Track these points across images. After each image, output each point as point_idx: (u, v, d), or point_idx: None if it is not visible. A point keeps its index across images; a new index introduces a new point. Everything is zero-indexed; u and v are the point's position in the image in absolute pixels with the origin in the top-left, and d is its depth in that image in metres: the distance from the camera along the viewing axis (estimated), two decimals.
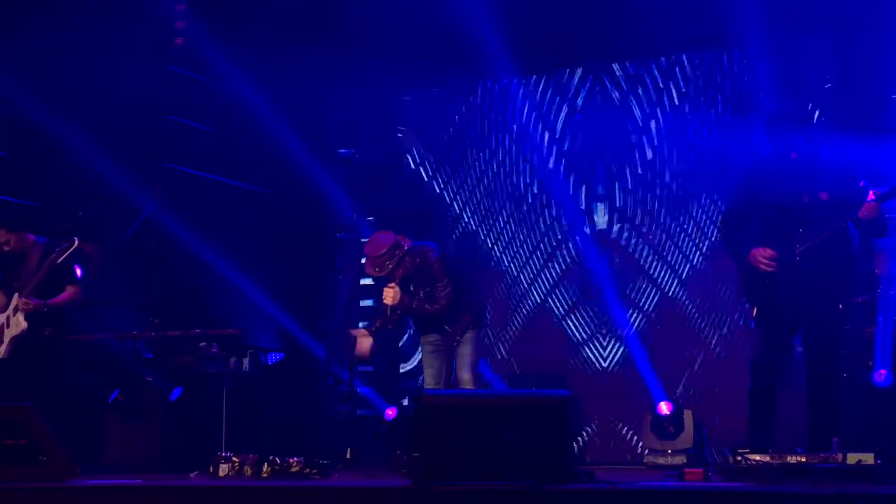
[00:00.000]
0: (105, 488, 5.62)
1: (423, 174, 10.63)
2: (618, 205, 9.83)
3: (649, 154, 9.73)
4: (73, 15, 9.30)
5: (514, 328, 10.06)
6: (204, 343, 8.96)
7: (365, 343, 7.29)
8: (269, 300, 10.02)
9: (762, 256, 6.43)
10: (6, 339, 7.60)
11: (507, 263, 10.18)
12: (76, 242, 7.59)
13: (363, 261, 8.86)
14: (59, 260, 7.56)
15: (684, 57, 9.71)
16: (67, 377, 7.86)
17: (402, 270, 7.20)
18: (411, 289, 7.28)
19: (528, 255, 10.09)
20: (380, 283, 7.53)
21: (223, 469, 6.90)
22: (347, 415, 9.01)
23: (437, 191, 10.55)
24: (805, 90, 9.03)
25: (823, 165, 6.50)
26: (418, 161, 10.67)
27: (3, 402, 6.44)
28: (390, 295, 7.24)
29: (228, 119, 10.25)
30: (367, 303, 10.34)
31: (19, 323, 7.54)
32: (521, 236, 10.13)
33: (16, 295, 7.62)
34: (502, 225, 10.23)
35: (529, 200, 10.15)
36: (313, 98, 10.34)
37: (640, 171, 9.78)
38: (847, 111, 8.53)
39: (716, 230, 9.06)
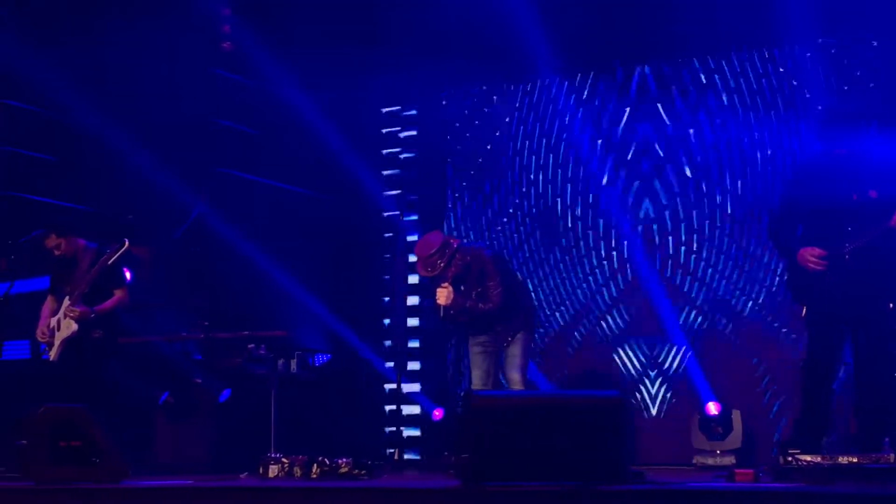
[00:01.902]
0: (157, 489, 5.67)
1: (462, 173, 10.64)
2: (663, 205, 9.77)
3: (697, 156, 9.68)
4: (122, 21, 9.39)
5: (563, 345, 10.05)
6: (252, 344, 9.02)
7: (443, 292, 7.26)
8: (316, 301, 10.06)
9: (811, 255, 6.39)
10: (56, 342, 7.68)
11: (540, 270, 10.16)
12: (126, 244, 7.65)
13: (412, 258, 8.91)
14: (110, 261, 7.63)
15: (728, 56, 9.65)
16: (118, 379, 7.92)
17: (453, 269, 7.20)
18: (463, 288, 7.27)
19: (570, 264, 10.06)
20: (429, 283, 7.53)
21: (273, 470, 6.94)
22: (395, 415, 9.04)
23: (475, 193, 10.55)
24: (852, 89, 8.97)
25: (874, 164, 6.44)
26: (458, 160, 10.66)
27: (54, 403, 6.50)
28: (443, 295, 7.24)
29: (275, 122, 10.31)
30: (414, 301, 10.37)
31: (69, 326, 7.62)
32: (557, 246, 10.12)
33: (66, 299, 7.69)
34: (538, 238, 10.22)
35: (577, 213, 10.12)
36: (359, 99, 10.38)
37: (688, 173, 9.72)
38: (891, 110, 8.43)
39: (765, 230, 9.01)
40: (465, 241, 7.46)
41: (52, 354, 7.71)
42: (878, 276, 6.37)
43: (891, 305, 6.55)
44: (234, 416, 8.55)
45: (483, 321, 7.33)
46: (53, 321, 7.74)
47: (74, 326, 7.59)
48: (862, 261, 6.32)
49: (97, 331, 7.67)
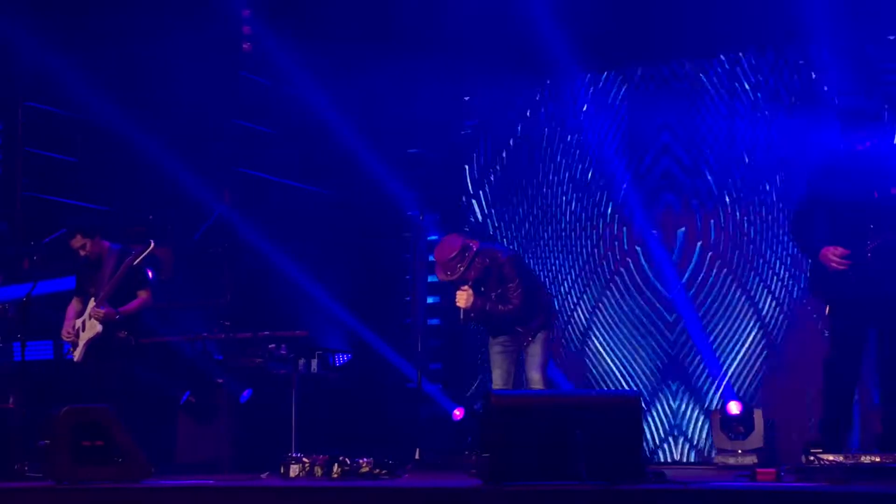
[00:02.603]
0: (179, 489, 5.69)
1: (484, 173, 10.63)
2: (685, 202, 9.75)
3: (719, 153, 9.65)
4: (143, 22, 9.43)
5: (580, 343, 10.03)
6: (273, 345, 9.04)
7: (463, 295, 7.27)
8: (337, 301, 10.08)
9: (833, 254, 6.35)
10: (81, 343, 7.72)
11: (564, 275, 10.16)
12: (151, 245, 7.69)
13: (431, 258, 8.90)
14: (136, 262, 7.66)
15: (751, 53, 9.62)
16: (140, 379, 7.95)
17: (472, 272, 7.20)
18: (482, 290, 7.27)
19: (590, 254, 10.05)
20: (451, 286, 7.52)
21: (294, 470, 6.95)
22: (416, 415, 9.03)
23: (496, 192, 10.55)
24: (871, 86, 8.92)
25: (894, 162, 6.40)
26: (482, 159, 10.66)
27: (77, 403, 6.53)
28: (463, 298, 7.24)
29: (296, 122, 10.33)
30: (434, 300, 10.36)
31: (94, 327, 7.65)
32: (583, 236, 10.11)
33: (91, 300, 7.73)
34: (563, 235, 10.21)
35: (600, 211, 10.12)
36: (378, 99, 10.38)
37: (710, 173, 9.69)
38: None
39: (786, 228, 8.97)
40: (483, 242, 7.42)
41: (77, 355, 7.74)
42: None
43: None
44: (255, 416, 8.57)
45: (503, 322, 7.34)
46: (79, 322, 7.77)
47: (99, 327, 7.63)
48: (885, 259, 6.28)
49: (122, 331, 7.71)
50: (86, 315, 7.72)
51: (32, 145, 9.99)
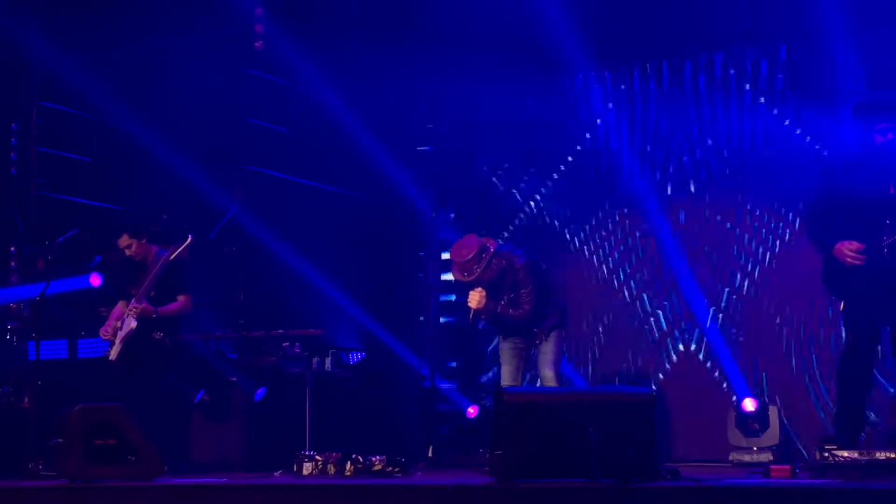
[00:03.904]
0: (191, 487, 5.69)
1: (499, 171, 10.62)
2: (692, 196, 9.73)
3: (724, 151, 9.62)
4: (156, 22, 9.45)
5: (596, 324, 10.01)
6: (287, 343, 9.05)
7: (475, 296, 7.25)
8: (350, 299, 10.07)
9: (848, 249, 6.31)
10: (118, 341, 7.74)
11: (587, 258, 10.12)
12: (189, 238, 7.70)
13: (445, 255, 8.89)
14: (173, 256, 7.67)
15: (764, 48, 9.59)
16: (165, 378, 7.96)
17: (488, 273, 7.18)
18: (495, 293, 7.26)
19: (608, 251, 10.03)
20: (465, 285, 7.51)
21: (307, 468, 6.96)
22: (429, 413, 9.03)
23: (510, 188, 10.53)
24: (883, 82, 8.90)
25: None
26: (493, 157, 10.66)
27: (105, 401, 6.55)
28: (476, 299, 7.23)
29: (308, 120, 10.33)
30: (449, 298, 10.35)
31: (129, 323, 7.66)
32: (600, 229, 10.08)
33: (132, 299, 7.75)
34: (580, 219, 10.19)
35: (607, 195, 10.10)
36: (391, 96, 10.38)
37: (715, 166, 9.67)
38: None
39: (799, 223, 8.93)
40: (501, 244, 7.40)
41: (113, 353, 7.75)
42: None
43: None
44: (269, 415, 8.57)
45: (512, 325, 7.32)
46: (118, 322, 7.78)
47: (133, 324, 7.63)
48: None
49: (158, 332, 7.72)
50: (125, 313, 7.73)
51: (46, 145, 10.03)
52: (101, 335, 7.86)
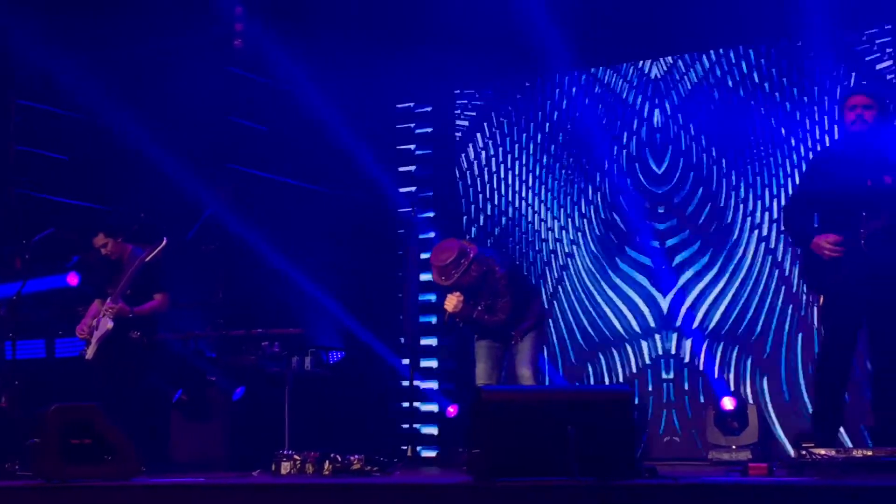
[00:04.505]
0: (168, 486, 5.66)
1: (478, 169, 10.62)
2: (679, 199, 9.75)
3: (713, 150, 9.65)
4: (136, 19, 9.41)
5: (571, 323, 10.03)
6: (266, 342, 9.03)
7: (452, 300, 7.24)
8: (330, 299, 10.06)
9: (826, 242, 6.31)
10: (94, 340, 7.70)
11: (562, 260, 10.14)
12: (164, 241, 7.67)
13: (425, 255, 8.86)
14: (148, 258, 7.63)
15: (742, 48, 9.64)
16: (143, 378, 7.93)
17: (467, 279, 7.16)
18: (472, 301, 7.24)
19: (587, 248, 10.04)
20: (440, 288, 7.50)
21: (285, 467, 6.93)
22: (409, 412, 9.02)
23: (493, 186, 10.54)
24: (868, 81, 8.94)
25: (889, 152, 6.37)
26: (474, 156, 10.65)
27: (83, 401, 6.52)
28: (452, 303, 7.22)
29: (289, 119, 10.32)
30: (430, 297, 10.34)
31: (106, 323, 7.63)
32: (578, 226, 10.09)
33: (108, 299, 7.72)
34: (563, 222, 10.20)
35: (590, 197, 10.11)
36: (371, 95, 10.38)
37: (701, 167, 9.70)
38: None
39: (780, 217, 8.96)
40: (481, 249, 7.36)
41: (90, 353, 7.72)
42: (895, 265, 6.29)
43: None
44: (248, 414, 8.56)
45: (488, 329, 7.31)
46: (94, 321, 7.75)
47: (109, 325, 7.59)
48: (879, 246, 6.24)
49: (135, 332, 7.69)
50: (101, 313, 7.70)
51: (25, 143, 9.97)
52: (77, 334, 7.83)
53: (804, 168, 8.82)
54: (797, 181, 8.94)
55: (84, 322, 7.80)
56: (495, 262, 7.27)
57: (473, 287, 7.20)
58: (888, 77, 9.00)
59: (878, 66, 9.05)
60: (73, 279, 8.91)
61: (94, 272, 8.12)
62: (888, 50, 9.02)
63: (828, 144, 8.98)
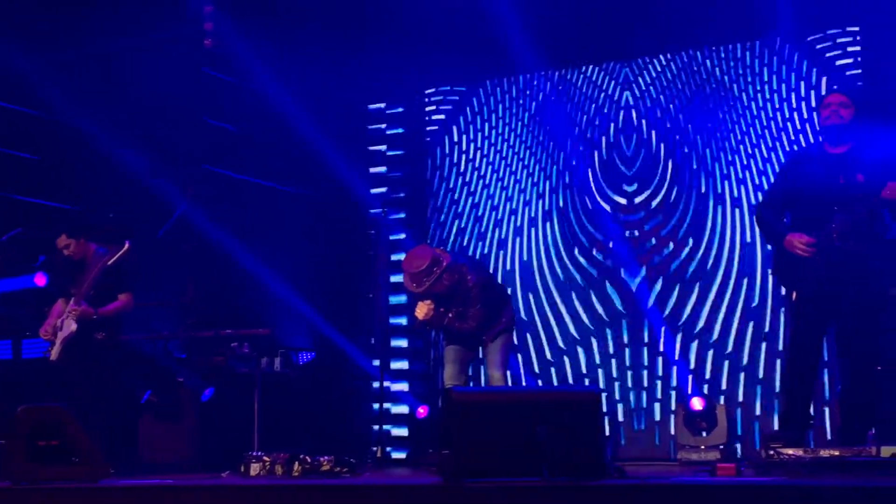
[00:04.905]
0: (136, 488, 5.63)
1: (446, 170, 10.64)
2: (651, 203, 9.79)
3: (684, 148, 9.69)
4: (106, 19, 9.36)
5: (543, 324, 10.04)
6: (236, 343, 9.00)
7: (423, 308, 7.24)
8: (301, 300, 10.04)
9: (799, 241, 6.34)
10: (58, 341, 7.65)
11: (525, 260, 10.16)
12: (127, 245, 7.61)
13: (395, 257, 8.85)
14: (110, 262, 7.58)
15: (713, 49, 9.69)
16: (109, 379, 7.89)
17: (439, 287, 7.14)
18: (442, 309, 7.24)
19: (556, 250, 10.06)
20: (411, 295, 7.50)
21: (254, 468, 6.91)
22: (379, 413, 9.01)
23: (460, 186, 10.55)
24: (838, 84, 9.01)
25: (865, 157, 6.41)
26: (443, 157, 10.67)
27: (50, 402, 6.47)
28: (423, 311, 7.21)
29: (261, 119, 10.29)
30: (400, 299, 10.34)
31: (69, 325, 7.58)
32: (547, 228, 10.11)
33: (72, 300, 7.67)
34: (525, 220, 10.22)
35: (558, 202, 10.13)
36: (343, 96, 10.37)
37: (671, 166, 9.74)
38: (877, 98, 8.44)
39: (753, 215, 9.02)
40: (455, 257, 7.33)
41: (54, 354, 7.66)
42: (867, 262, 6.32)
43: (878, 297, 6.52)
44: (217, 415, 8.52)
45: (458, 336, 7.31)
46: (59, 321, 7.70)
47: (73, 327, 7.55)
48: (851, 242, 6.27)
49: (100, 333, 7.64)
50: (65, 314, 7.65)
51: None
52: (41, 335, 7.78)
53: (777, 166, 8.88)
54: (769, 179, 9.00)
55: (48, 323, 7.75)
56: (468, 270, 7.25)
57: (445, 295, 7.19)
58: (847, 73, 9.07)
59: (838, 63, 9.12)
60: (40, 280, 8.85)
61: (58, 272, 8.07)
62: (849, 49, 9.10)
63: (802, 143, 9.05)
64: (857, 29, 9.10)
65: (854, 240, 6.27)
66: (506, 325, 7.33)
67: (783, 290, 6.83)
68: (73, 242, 7.72)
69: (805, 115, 9.23)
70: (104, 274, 7.58)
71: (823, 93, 8.86)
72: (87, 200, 9.87)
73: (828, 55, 9.19)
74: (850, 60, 9.09)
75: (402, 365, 10.49)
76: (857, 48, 9.09)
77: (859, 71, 9.05)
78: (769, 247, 6.78)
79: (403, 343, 10.54)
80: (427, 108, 10.81)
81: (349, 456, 6.95)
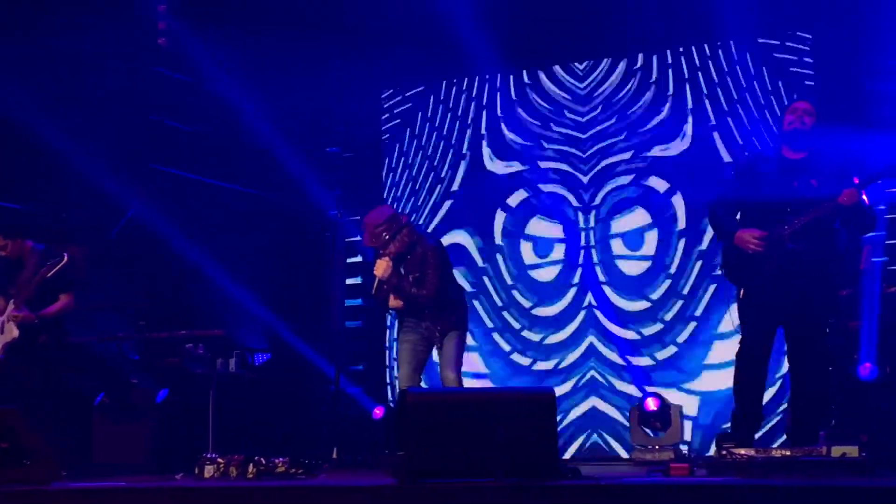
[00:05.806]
0: (88, 490, 5.60)
1: (401, 172, 10.64)
2: (604, 203, 9.84)
3: (641, 152, 9.75)
4: (56, 15, 9.26)
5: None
6: (190, 344, 8.94)
7: (382, 264, 7.24)
8: (256, 300, 9.99)
9: (750, 236, 6.39)
10: (0, 345, 7.57)
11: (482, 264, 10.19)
12: (65, 259, 7.52)
13: (352, 259, 8.82)
14: (49, 274, 7.50)
15: (668, 51, 9.75)
16: (57, 381, 7.81)
17: (397, 244, 7.17)
18: (402, 270, 7.25)
19: (518, 253, 10.10)
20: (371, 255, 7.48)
21: (208, 470, 6.86)
22: (334, 415, 8.98)
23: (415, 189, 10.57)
24: (789, 87, 9.11)
25: (820, 161, 6.48)
26: (398, 158, 10.67)
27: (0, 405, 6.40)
28: (381, 267, 7.21)
29: (214, 119, 10.23)
30: (356, 302, 10.32)
31: (11, 330, 7.50)
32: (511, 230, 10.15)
33: (11, 302, 7.58)
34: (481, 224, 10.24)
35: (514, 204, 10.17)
36: (298, 96, 10.33)
37: (629, 168, 9.80)
38: (829, 106, 8.52)
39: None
40: (415, 224, 7.40)
41: None
42: (818, 264, 6.37)
43: (828, 299, 6.58)
44: (171, 417, 8.46)
45: (414, 308, 7.28)
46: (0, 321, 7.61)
47: (15, 332, 7.47)
48: (802, 241, 6.33)
49: (42, 335, 7.56)
50: (4, 318, 7.57)
51: None
52: None
53: (733, 167, 8.94)
54: (724, 179, 9.07)
55: None
56: (426, 235, 7.33)
57: (403, 255, 7.21)
58: (807, 82, 9.16)
59: (792, 69, 9.22)
60: None
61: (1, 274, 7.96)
62: (806, 59, 9.19)
63: (756, 145, 9.14)
64: (809, 36, 9.20)
65: (805, 241, 6.33)
66: (457, 320, 7.32)
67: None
68: (10, 243, 7.65)
69: (757, 116, 9.31)
70: (43, 282, 7.51)
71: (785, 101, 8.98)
72: (38, 200, 9.75)
73: (778, 55, 9.28)
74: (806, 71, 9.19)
75: (357, 366, 10.47)
76: (810, 60, 9.18)
77: (812, 83, 9.13)
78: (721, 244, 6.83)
79: (359, 344, 10.51)
80: (384, 108, 10.80)
81: (305, 458, 6.93)
